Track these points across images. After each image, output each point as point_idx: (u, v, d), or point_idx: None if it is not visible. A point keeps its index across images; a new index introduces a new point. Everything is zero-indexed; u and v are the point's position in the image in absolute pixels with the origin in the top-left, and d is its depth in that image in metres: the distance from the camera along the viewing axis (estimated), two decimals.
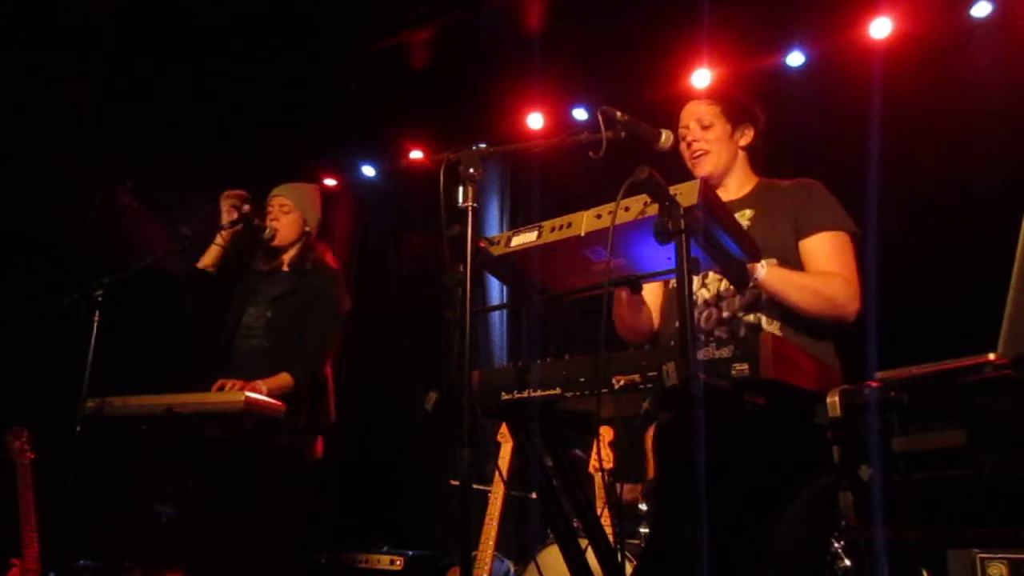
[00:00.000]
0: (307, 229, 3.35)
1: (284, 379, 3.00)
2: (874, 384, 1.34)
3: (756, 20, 4.24)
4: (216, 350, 3.22)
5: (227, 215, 3.23)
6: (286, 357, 3.09)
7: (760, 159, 2.31)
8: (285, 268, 3.31)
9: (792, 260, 2.06)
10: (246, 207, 3.19)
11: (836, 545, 3.03)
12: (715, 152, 2.23)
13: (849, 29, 4.20)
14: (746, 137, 2.27)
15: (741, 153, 2.28)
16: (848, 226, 2.10)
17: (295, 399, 3.01)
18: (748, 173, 2.29)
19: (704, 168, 2.23)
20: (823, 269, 2.04)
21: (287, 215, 3.30)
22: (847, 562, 3.02)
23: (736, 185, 2.24)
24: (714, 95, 2.35)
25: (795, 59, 4.41)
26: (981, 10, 4.00)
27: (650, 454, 3.67)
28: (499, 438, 3.64)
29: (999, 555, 2.40)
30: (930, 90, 3.94)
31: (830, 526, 1.97)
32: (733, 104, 2.29)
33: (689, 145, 2.24)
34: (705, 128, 2.24)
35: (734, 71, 4.44)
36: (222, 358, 3.18)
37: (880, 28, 4.11)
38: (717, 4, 3.91)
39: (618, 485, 3.75)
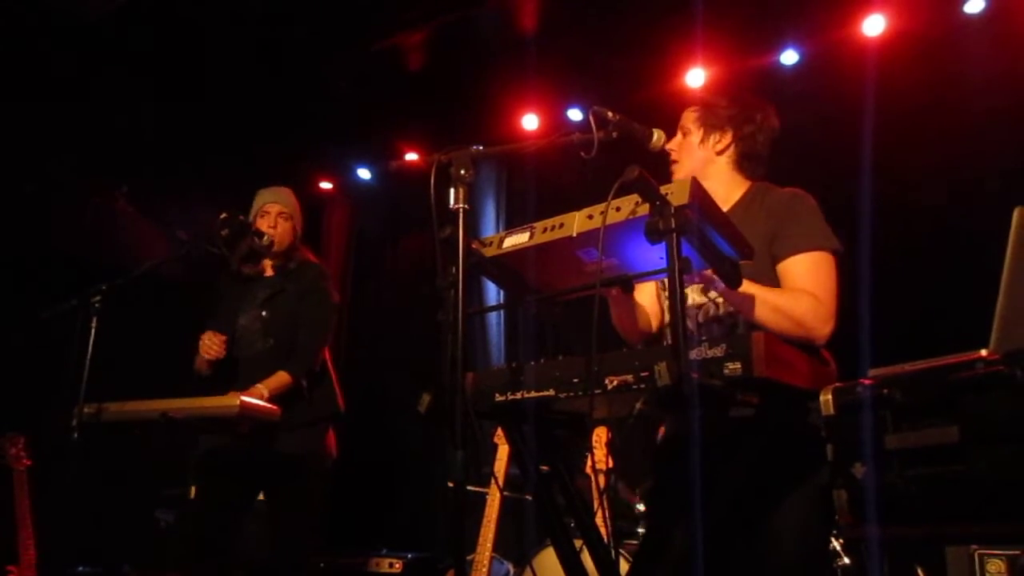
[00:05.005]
0: (298, 232, 3.37)
1: (282, 378, 3.01)
2: (867, 382, 1.33)
3: (750, 19, 4.25)
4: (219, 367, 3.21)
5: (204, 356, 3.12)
6: (289, 353, 3.12)
7: (751, 163, 2.20)
8: (269, 272, 3.32)
9: (763, 280, 1.94)
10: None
11: (835, 543, 3.04)
12: (683, 161, 2.19)
13: (842, 27, 4.21)
14: (721, 143, 2.17)
15: (720, 158, 2.18)
16: (829, 245, 1.98)
17: (296, 395, 3.02)
18: (735, 178, 2.18)
19: (676, 176, 2.17)
20: (796, 288, 1.93)
21: (286, 221, 3.31)
22: (846, 560, 3.02)
23: (723, 191, 2.13)
24: (698, 100, 2.28)
25: (789, 57, 4.43)
26: (974, 7, 4.01)
27: None
28: (496, 440, 3.63)
29: (997, 551, 2.40)
30: (923, 87, 3.95)
31: (829, 526, 1.95)
32: (709, 110, 2.21)
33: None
34: (685, 135, 2.21)
35: (728, 70, 4.45)
36: (227, 373, 3.17)
37: (873, 26, 4.13)
38: (711, 3, 3.90)
39: (620, 487, 3.74)
